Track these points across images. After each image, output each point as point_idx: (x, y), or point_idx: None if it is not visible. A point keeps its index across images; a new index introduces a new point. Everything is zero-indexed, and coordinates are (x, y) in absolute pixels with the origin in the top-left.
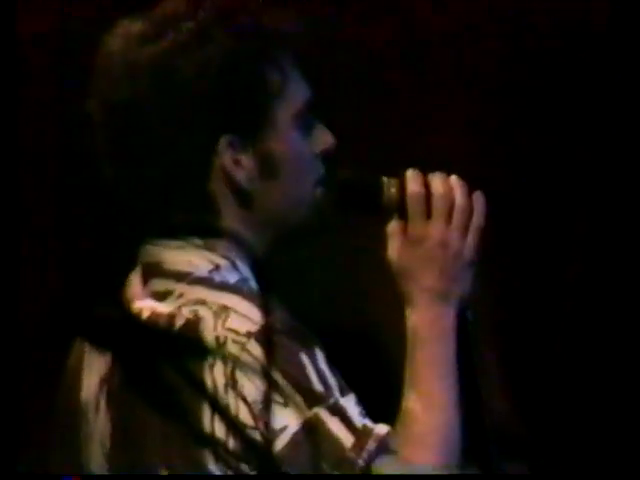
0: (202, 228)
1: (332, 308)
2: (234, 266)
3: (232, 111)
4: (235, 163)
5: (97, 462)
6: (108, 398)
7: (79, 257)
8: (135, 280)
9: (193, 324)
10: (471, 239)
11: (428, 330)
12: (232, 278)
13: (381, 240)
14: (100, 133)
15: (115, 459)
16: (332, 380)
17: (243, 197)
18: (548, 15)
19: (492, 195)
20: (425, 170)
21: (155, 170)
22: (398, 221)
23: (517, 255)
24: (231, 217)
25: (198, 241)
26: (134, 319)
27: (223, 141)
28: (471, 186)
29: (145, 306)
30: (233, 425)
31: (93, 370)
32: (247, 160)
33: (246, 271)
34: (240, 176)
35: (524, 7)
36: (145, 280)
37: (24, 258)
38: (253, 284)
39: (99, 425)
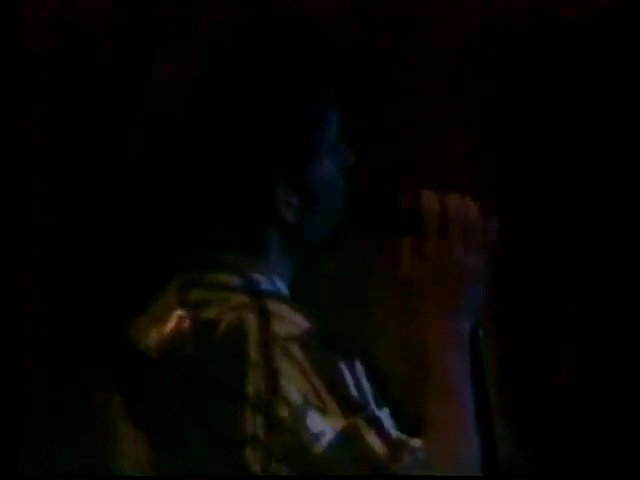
0: (244, 259)
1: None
2: (272, 281)
3: (285, 151)
4: (285, 203)
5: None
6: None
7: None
8: (171, 292)
9: (237, 328)
10: (485, 258)
11: (443, 344)
12: (270, 288)
13: (394, 255)
14: (145, 168)
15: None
16: (369, 391)
17: (287, 232)
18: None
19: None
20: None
21: (206, 210)
22: (412, 237)
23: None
24: (273, 247)
25: (238, 260)
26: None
27: (278, 182)
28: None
29: (185, 314)
30: (274, 426)
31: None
32: (295, 198)
33: (283, 287)
34: (289, 215)
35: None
36: (183, 291)
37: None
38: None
39: (132, 429)
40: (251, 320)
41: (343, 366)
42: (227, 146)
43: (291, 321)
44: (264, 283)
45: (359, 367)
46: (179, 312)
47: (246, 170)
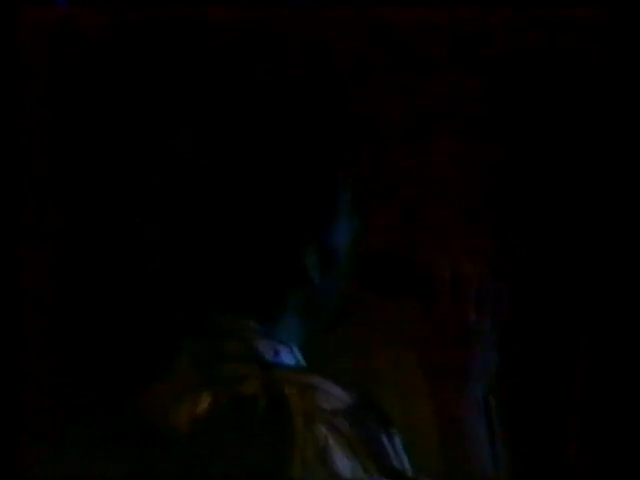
0: (265, 321)
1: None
2: (290, 350)
3: (312, 214)
4: (312, 264)
5: None
6: None
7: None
8: (186, 370)
9: (280, 403)
10: (496, 324)
11: (459, 411)
12: (291, 361)
13: (406, 321)
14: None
15: None
16: (407, 463)
17: (310, 294)
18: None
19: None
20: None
21: (228, 272)
22: (424, 302)
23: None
24: (293, 313)
25: (257, 327)
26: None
27: (305, 244)
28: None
29: (219, 389)
30: None
31: None
32: (319, 260)
33: (299, 355)
34: (315, 276)
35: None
36: (203, 368)
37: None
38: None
39: None
40: (293, 396)
41: (384, 437)
42: (255, 208)
43: (333, 394)
44: (284, 353)
45: (397, 437)
46: (212, 387)
47: (274, 232)
